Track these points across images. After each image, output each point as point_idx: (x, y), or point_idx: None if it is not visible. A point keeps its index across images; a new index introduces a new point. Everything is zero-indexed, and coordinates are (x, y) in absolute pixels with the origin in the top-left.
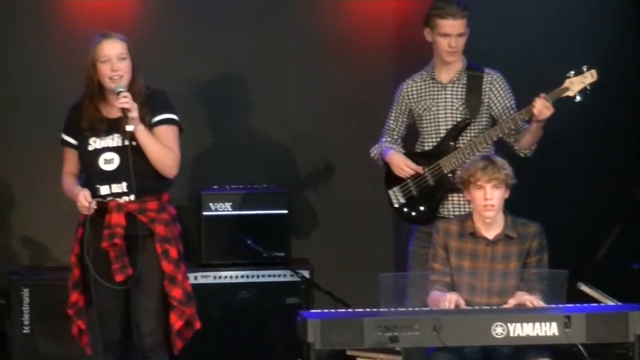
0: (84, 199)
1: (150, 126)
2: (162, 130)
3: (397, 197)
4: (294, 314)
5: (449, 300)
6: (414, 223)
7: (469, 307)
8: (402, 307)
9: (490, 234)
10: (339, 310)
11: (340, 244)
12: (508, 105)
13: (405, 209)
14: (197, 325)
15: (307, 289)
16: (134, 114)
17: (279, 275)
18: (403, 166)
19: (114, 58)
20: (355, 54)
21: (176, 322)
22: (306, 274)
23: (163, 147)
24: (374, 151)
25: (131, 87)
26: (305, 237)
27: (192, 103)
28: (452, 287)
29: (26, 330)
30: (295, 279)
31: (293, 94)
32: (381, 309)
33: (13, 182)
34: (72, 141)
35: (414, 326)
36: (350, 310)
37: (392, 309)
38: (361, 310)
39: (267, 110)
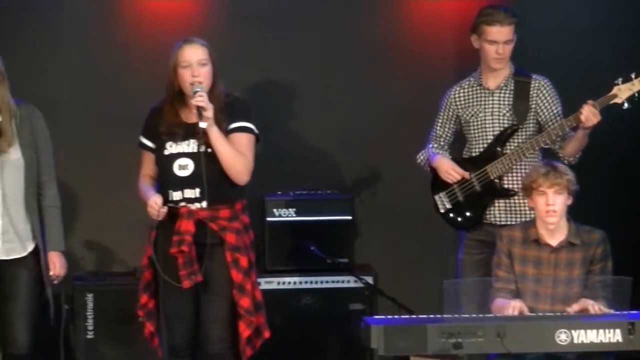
0: (154, 205)
1: (226, 133)
2: (236, 137)
3: (443, 202)
4: (357, 319)
5: (513, 307)
6: (460, 229)
7: (533, 314)
8: (466, 314)
9: (554, 241)
10: (402, 316)
11: (404, 249)
12: (555, 111)
13: (451, 215)
14: (267, 334)
15: (371, 295)
16: (209, 113)
17: (343, 281)
18: (450, 171)
19: (194, 63)
20: (415, 58)
21: (245, 330)
22: (370, 280)
23: (235, 152)
24: (421, 157)
25: (211, 93)
26: (369, 243)
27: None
28: (516, 295)
29: (90, 335)
30: (359, 284)
31: (356, 99)
32: (445, 315)
33: (78, 186)
34: (150, 144)
35: (477, 333)
36: (413, 316)
37: (456, 315)
38: (424, 316)
39: (330, 115)
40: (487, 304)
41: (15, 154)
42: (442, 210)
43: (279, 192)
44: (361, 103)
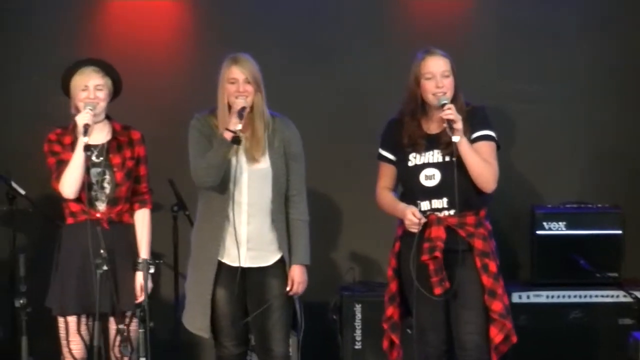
0: (413, 216)
1: (470, 142)
2: (480, 145)
3: None
4: (625, 335)
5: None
6: None
7: None
8: None
9: None
10: None
11: None
12: None
13: None
14: (514, 339)
15: None
16: (459, 125)
17: (612, 296)
18: None
19: (438, 75)
20: None
21: (496, 335)
22: (639, 294)
23: (483, 161)
24: None
25: (453, 104)
26: (638, 257)
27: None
28: None
29: (358, 346)
30: (628, 299)
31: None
32: None
33: (340, 197)
34: (390, 156)
35: None
36: None
37: None
38: None
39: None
40: None
41: (264, 164)
42: None
43: (549, 205)
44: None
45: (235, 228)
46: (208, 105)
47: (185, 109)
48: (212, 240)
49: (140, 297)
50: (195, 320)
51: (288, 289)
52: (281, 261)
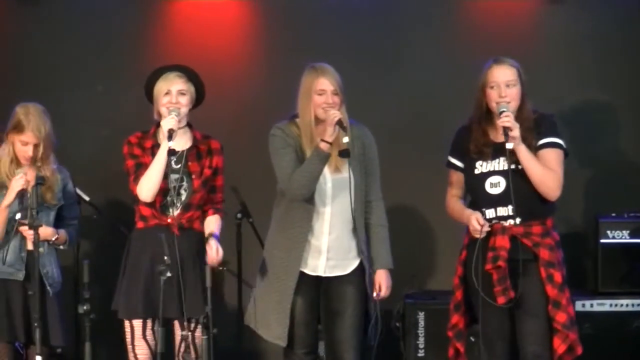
0: (476, 222)
1: (535, 149)
2: (545, 153)
3: None
4: None
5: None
6: None
7: None
8: None
9: None
10: None
11: None
12: None
13: None
14: (579, 350)
15: None
16: (515, 132)
17: None
18: None
19: (502, 84)
20: None
21: (559, 346)
22: None
23: (544, 169)
24: None
25: (519, 112)
26: None
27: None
28: None
29: (421, 353)
30: None
31: None
32: None
33: (403, 204)
34: (459, 164)
35: None
36: None
37: None
38: None
39: None
40: None
41: (345, 173)
42: None
43: (613, 214)
44: None
45: (317, 238)
46: (272, 112)
47: (249, 115)
48: (292, 250)
49: (217, 257)
50: (271, 328)
51: (375, 294)
52: (359, 268)
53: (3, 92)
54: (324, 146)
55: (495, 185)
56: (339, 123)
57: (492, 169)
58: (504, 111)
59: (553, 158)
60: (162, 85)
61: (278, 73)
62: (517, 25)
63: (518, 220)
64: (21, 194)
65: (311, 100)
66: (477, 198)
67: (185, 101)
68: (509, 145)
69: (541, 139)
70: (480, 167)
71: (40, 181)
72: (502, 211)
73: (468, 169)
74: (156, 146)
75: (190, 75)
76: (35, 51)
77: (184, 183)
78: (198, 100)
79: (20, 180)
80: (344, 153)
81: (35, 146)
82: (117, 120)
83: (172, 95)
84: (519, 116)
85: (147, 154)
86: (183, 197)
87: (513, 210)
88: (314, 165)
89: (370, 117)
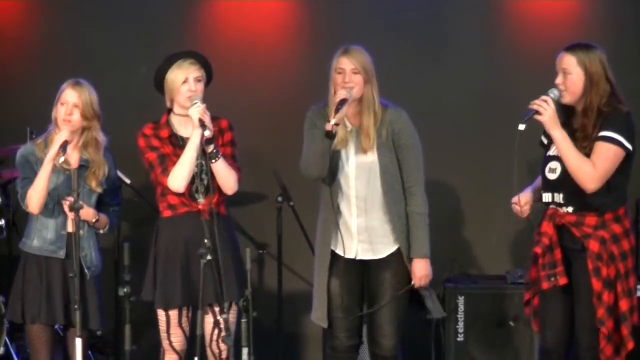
0: (516, 201)
1: (593, 141)
2: (596, 145)
3: None
4: None
5: None
6: None
7: None
8: None
9: None
10: None
11: None
12: None
13: None
14: (630, 345)
15: None
16: (544, 117)
17: None
18: None
19: (560, 71)
20: None
21: (602, 340)
22: None
23: (581, 159)
24: None
25: (582, 102)
26: None
27: None
28: None
29: (460, 338)
30: None
31: None
32: None
33: (445, 190)
34: (545, 142)
35: None
36: None
37: None
38: None
39: None
40: None
41: (371, 156)
42: None
43: None
44: None
45: (346, 220)
46: (315, 96)
47: (289, 102)
48: (325, 230)
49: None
50: (317, 310)
51: (413, 282)
52: (397, 253)
53: (49, 76)
54: (327, 125)
55: (553, 171)
56: (338, 105)
57: (552, 154)
58: (550, 96)
59: (600, 151)
60: (178, 74)
61: (322, 59)
62: (560, 18)
63: (570, 209)
64: (64, 147)
65: (333, 79)
66: (542, 181)
67: (201, 87)
68: (520, 127)
69: (600, 131)
70: (550, 150)
71: (84, 163)
72: (557, 197)
73: (545, 150)
74: (173, 135)
75: (202, 61)
76: (82, 35)
77: (204, 167)
78: (206, 84)
79: (65, 132)
80: (329, 134)
81: (75, 106)
82: (157, 105)
83: (190, 83)
84: (582, 104)
85: (165, 144)
86: (205, 182)
87: (563, 199)
88: (315, 143)
89: (415, 102)
